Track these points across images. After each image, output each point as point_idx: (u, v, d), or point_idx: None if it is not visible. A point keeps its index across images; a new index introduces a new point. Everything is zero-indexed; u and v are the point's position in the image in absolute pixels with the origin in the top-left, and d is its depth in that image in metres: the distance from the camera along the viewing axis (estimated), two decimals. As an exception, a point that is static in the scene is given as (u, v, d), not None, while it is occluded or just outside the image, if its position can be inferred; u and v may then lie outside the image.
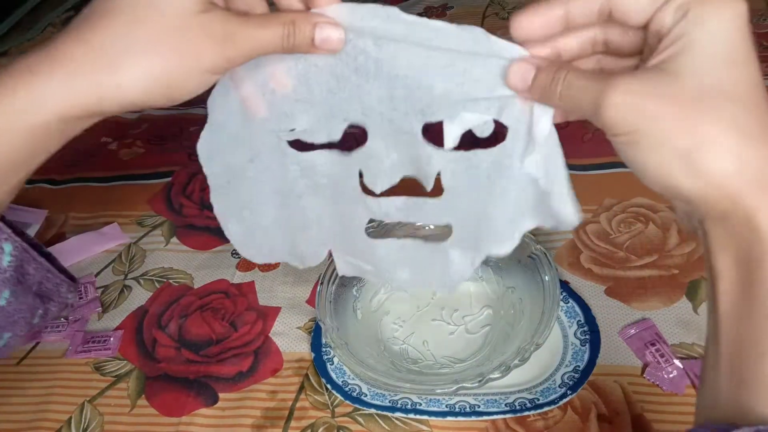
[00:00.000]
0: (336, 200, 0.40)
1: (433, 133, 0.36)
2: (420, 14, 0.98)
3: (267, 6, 0.34)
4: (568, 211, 0.34)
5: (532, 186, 0.35)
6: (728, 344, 0.27)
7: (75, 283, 0.45)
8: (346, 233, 0.42)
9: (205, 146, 0.38)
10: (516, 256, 0.53)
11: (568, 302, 0.53)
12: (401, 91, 0.34)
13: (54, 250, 0.68)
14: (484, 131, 0.34)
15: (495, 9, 0.95)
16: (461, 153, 0.36)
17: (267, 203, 0.40)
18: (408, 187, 0.39)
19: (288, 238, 0.42)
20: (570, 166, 0.33)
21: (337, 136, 0.37)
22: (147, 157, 0.81)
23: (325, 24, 0.32)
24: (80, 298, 0.63)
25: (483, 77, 0.32)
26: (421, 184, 0.38)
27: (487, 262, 0.56)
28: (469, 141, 0.35)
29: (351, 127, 0.37)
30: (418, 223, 0.43)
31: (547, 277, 0.49)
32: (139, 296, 0.63)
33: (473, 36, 0.32)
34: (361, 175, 0.39)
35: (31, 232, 0.72)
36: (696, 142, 0.25)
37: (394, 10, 0.32)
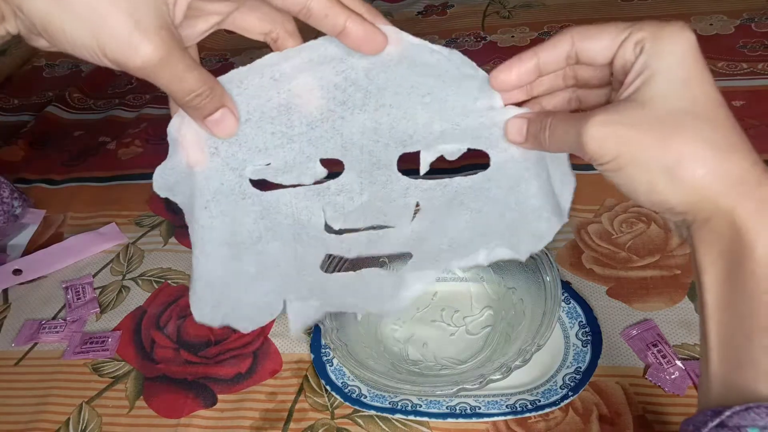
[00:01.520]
0: (296, 240, 0.38)
1: (405, 161, 0.37)
2: (420, 12, 0.98)
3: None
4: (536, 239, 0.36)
5: (511, 212, 0.36)
6: (716, 332, 0.29)
7: (25, 198, 0.43)
8: (300, 274, 0.39)
9: (160, 180, 0.34)
10: (517, 256, 0.52)
11: (570, 303, 0.53)
12: (386, 120, 0.34)
13: (52, 250, 0.68)
14: (454, 155, 0.36)
15: (496, 8, 0.94)
16: (437, 181, 0.37)
17: (214, 255, 0.37)
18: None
19: (234, 296, 0.38)
20: (572, 166, 0.33)
21: (308, 180, 0.36)
22: (145, 156, 0.80)
23: (229, 112, 0.32)
24: (78, 299, 0.62)
25: (458, 102, 0.34)
26: (394, 225, 0.39)
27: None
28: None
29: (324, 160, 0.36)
30: (380, 253, 0.41)
31: (548, 278, 0.49)
32: (138, 297, 0.62)
33: (454, 61, 0.33)
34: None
35: (29, 232, 0.72)
36: (674, 159, 0.27)
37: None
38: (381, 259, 0.50)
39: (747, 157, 0.28)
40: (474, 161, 0.37)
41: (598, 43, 0.30)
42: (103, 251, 0.68)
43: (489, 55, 0.85)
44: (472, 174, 0.37)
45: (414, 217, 0.39)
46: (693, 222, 0.29)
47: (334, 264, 0.45)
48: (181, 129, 0.33)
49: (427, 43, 0.32)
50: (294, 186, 0.37)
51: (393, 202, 0.38)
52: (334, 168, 0.37)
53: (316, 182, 0.37)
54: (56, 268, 0.67)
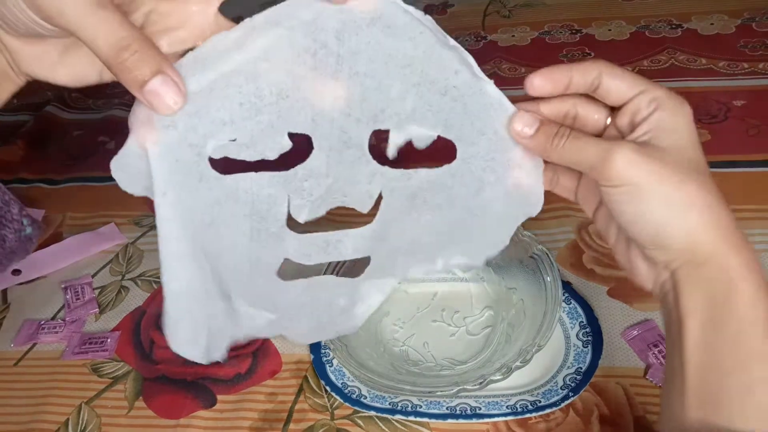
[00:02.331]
0: (252, 237, 0.35)
1: (376, 152, 0.35)
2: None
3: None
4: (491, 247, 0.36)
5: (473, 219, 0.36)
6: (695, 371, 0.31)
7: (34, 219, 0.41)
8: (251, 277, 0.36)
9: (120, 174, 0.31)
10: (517, 256, 0.52)
11: (570, 303, 0.53)
12: (359, 91, 0.32)
13: (51, 250, 0.68)
14: (423, 143, 0.35)
15: (496, 7, 0.94)
16: (402, 171, 0.35)
17: (180, 256, 0.32)
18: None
19: (207, 312, 0.34)
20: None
21: (272, 153, 0.33)
22: (145, 156, 0.80)
23: (170, 80, 0.28)
24: (77, 299, 0.62)
25: (438, 77, 0.32)
26: (355, 208, 0.36)
27: (487, 262, 0.56)
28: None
29: (293, 135, 0.33)
30: (340, 259, 0.38)
31: (548, 278, 0.49)
32: (137, 297, 0.62)
33: (428, 25, 0.31)
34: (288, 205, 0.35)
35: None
36: (689, 201, 0.31)
37: None
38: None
39: (732, 215, 0.32)
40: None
41: (620, 84, 0.33)
42: (102, 251, 0.68)
43: (489, 55, 0.85)
44: (437, 167, 0.36)
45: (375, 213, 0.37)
46: (684, 265, 0.31)
47: (332, 268, 0.44)
48: (135, 109, 0.30)
49: (399, 1, 0.30)
50: (257, 171, 0.34)
51: (357, 185, 0.36)
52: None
53: (282, 167, 0.34)
54: (55, 268, 0.66)
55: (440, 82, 0.32)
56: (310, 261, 0.37)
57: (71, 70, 0.32)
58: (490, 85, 0.33)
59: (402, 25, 0.31)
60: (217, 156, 0.32)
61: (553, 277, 0.49)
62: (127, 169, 0.31)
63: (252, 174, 0.34)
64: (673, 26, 0.84)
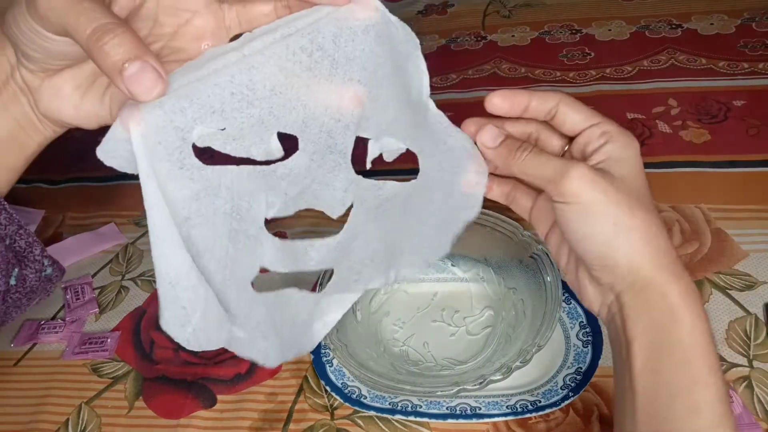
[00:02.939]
0: (230, 239, 0.33)
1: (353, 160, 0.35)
2: (420, 12, 0.97)
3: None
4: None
5: (422, 228, 0.36)
6: (644, 394, 0.32)
7: (55, 260, 0.42)
8: (224, 283, 0.33)
9: (109, 158, 0.31)
10: (517, 256, 0.52)
11: (570, 303, 0.53)
12: (351, 96, 0.33)
13: (51, 250, 0.68)
14: (391, 156, 0.36)
15: (496, 7, 0.94)
16: (373, 182, 0.36)
17: (169, 242, 0.31)
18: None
19: (197, 297, 0.32)
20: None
21: (258, 153, 0.32)
22: (145, 156, 0.80)
23: (150, 67, 0.27)
24: (77, 299, 0.62)
25: (410, 89, 0.33)
26: (324, 212, 0.36)
27: (487, 262, 0.56)
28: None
29: (281, 136, 0.33)
30: (306, 269, 0.36)
31: (548, 278, 0.49)
32: (137, 297, 0.62)
33: (400, 36, 0.32)
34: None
35: (28, 232, 0.72)
36: (635, 225, 0.32)
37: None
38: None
39: (672, 246, 0.33)
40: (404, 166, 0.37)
41: (574, 115, 0.35)
42: (102, 251, 0.68)
43: (489, 55, 0.85)
44: (404, 180, 0.36)
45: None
46: (627, 289, 0.33)
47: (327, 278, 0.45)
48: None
49: (386, 10, 0.32)
50: (238, 165, 0.33)
51: (332, 191, 0.35)
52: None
53: (266, 163, 0.33)
54: (55, 268, 0.66)
55: (411, 94, 0.33)
56: (283, 269, 0.36)
57: (85, 104, 0.34)
58: (430, 102, 0.34)
59: (389, 35, 0.32)
60: (201, 144, 0.31)
61: (553, 277, 0.49)
62: (115, 153, 0.31)
63: (233, 168, 0.32)
64: (673, 26, 0.84)
